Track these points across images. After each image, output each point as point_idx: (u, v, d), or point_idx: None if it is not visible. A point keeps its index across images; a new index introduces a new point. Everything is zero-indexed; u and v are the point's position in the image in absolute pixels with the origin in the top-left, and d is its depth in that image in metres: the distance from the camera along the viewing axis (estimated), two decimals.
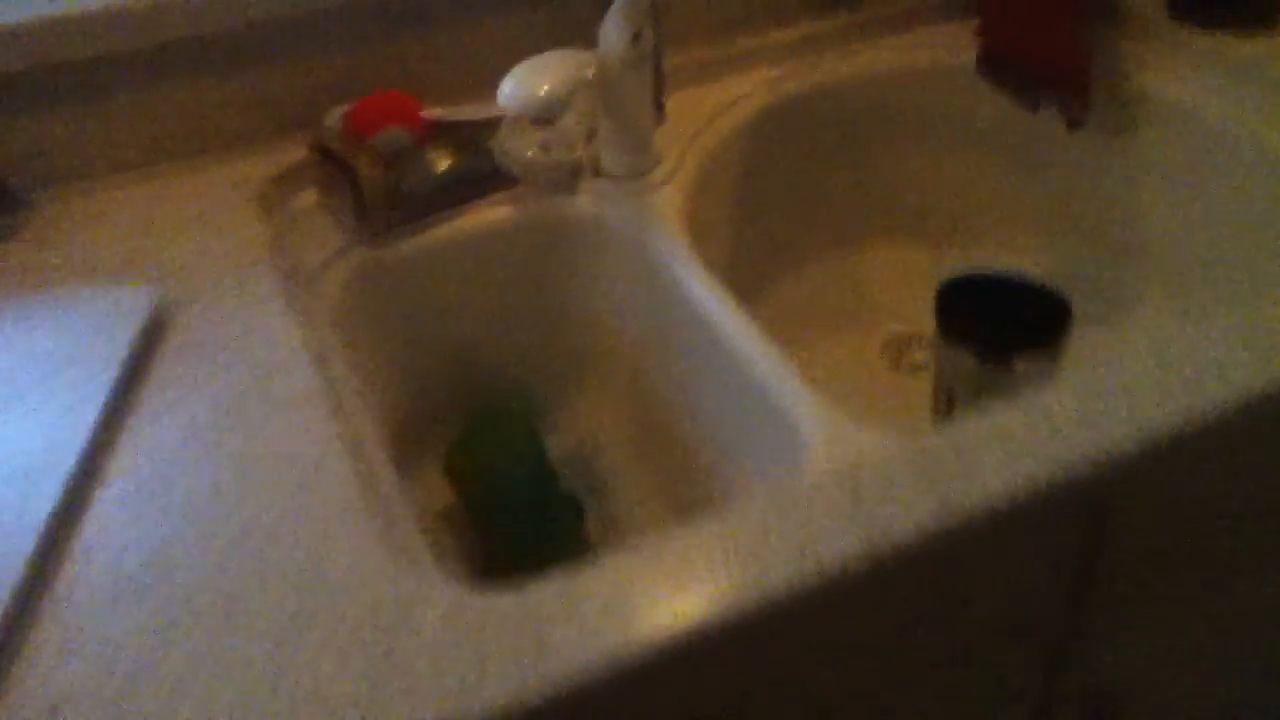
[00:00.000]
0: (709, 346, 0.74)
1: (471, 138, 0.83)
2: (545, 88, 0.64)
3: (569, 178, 0.83)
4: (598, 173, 0.84)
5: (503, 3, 0.89)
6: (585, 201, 0.83)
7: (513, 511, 0.82)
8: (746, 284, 0.97)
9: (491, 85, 0.90)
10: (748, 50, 0.95)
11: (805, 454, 0.62)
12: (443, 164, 0.82)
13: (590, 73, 0.68)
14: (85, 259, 0.75)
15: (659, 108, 0.88)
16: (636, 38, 0.77)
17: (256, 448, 0.59)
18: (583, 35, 0.86)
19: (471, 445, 0.85)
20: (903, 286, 1.02)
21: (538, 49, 0.90)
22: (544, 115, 0.64)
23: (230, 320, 0.70)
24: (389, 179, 0.79)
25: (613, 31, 0.76)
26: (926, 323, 0.98)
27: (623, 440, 0.88)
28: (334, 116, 0.83)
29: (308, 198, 0.84)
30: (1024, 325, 0.74)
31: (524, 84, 0.65)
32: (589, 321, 0.88)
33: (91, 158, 0.83)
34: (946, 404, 0.75)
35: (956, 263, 1.02)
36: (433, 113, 0.85)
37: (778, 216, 0.98)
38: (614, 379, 0.89)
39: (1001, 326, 0.74)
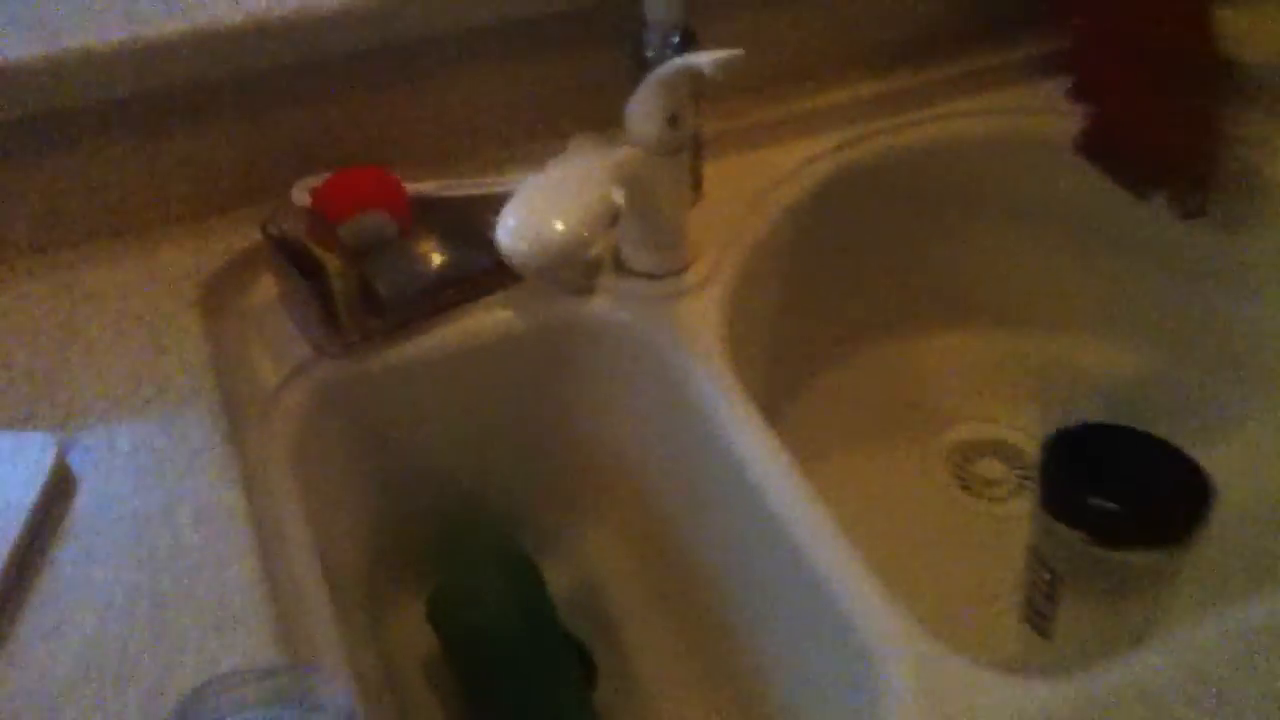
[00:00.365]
0: (750, 512, 0.59)
1: (468, 222, 0.69)
2: (560, 226, 0.48)
3: (585, 277, 0.68)
4: (619, 269, 0.69)
5: (510, 54, 0.73)
6: (603, 306, 0.69)
7: (507, 666, 0.69)
8: (790, 377, 0.82)
9: (493, 154, 0.75)
10: (804, 112, 0.79)
11: (883, 697, 0.48)
12: (433, 260, 0.67)
13: (621, 197, 0.53)
14: None
15: (695, 186, 0.74)
16: (673, 121, 0.62)
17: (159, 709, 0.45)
18: (603, 97, 0.71)
19: (459, 588, 0.71)
20: (969, 382, 0.88)
21: (550, 113, 0.76)
22: (557, 265, 0.49)
23: (156, 478, 0.55)
24: (365, 279, 0.65)
25: (643, 116, 0.61)
26: (995, 425, 0.85)
27: (637, 586, 0.74)
28: (300, 194, 0.68)
29: (264, 290, 0.69)
30: (1147, 497, 0.60)
31: (530, 224, 0.48)
32: (601, 449, 0.73)
33: (2, 237, 0.68)
34: (1048, 588, 0.61)
35: (1033, 354, 0.88)
36: (422, 187, 0.71)
37: (828, 302, 0.83)
38: (629, 516, 0.74)
39: (1119, 495, 0.60)
